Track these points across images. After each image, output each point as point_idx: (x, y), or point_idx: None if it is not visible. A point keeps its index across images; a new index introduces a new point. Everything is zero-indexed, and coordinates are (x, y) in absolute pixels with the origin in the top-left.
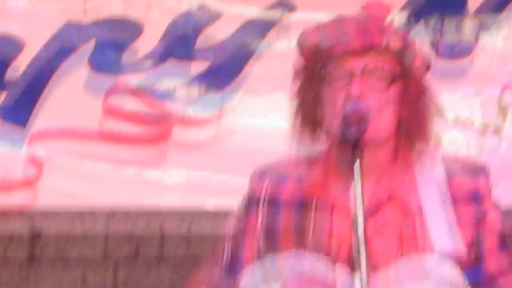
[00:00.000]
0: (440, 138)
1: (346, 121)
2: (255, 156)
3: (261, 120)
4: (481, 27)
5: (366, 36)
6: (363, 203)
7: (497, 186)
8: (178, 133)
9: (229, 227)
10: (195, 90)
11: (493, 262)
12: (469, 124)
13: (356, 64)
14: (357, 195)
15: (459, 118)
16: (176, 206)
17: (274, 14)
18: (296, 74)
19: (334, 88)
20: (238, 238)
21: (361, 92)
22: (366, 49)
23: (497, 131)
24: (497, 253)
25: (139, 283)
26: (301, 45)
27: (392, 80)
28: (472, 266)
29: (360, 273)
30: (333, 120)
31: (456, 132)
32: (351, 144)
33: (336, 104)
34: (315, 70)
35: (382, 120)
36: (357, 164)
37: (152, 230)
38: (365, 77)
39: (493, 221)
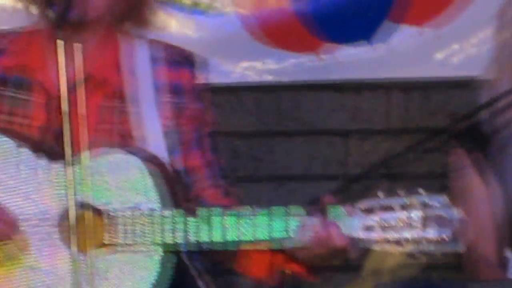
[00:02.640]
0: (162, 21)
1: None
2: None
3: None
4: None
5: None
6: (67, 82)
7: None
8: None
9: None
10: None
11: (186, 156)
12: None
13: None
14: (61, 74)
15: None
16: None
17: None
18: None
19: None
20: None
21: None
22: None
23: (209, 8)
24: (192, 149)
25: None
26: None
27: None
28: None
29: (64, 155)
30: None
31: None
32: (56, 21)
33: None
34: None
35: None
36: (60, 42)
37: None
38: None
39: (193, 115)
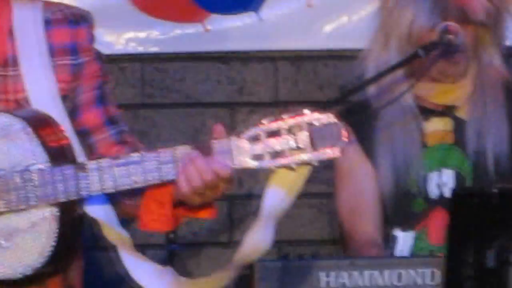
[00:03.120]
0: None
1: None
2: None
3: None
4: None
5: None
6: None
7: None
8: None
9: None
10: None
11: (88, 116)
12: None
13: None
14: None
15: None
16: None
17: None
18: None
19: None
20: None
21: None
22: None
23: None
24: (94, 108)
25: None
26: None
27: None
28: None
29: None
30: None
31: None
32: None
33: None
34: None
35: None
36: None
37: None
38: None
39: (92, 73)
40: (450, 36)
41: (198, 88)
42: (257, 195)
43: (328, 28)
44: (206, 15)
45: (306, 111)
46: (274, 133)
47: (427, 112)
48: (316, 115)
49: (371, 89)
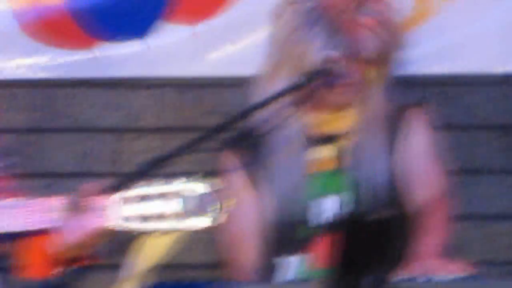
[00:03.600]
0: None
1: None
2: None
3: None
4: None
5: None
6: None
7: None
8: None
9: None
10: None
11: None
12: None
13: None
14: None
15: None
16: None
17: None
18: None
19: None
20: None
21: None
22: None
23: None
24: None
25: None
26: None
27: None
28: None
29: None
30: None
31: None
32: None
33: None
34: None
35: None
36: None
37: None
38: None
39: None
40: (331, 65)
41: (86, 113)
42: None
43: (213, 56)
44: (94, 42)
45: (182, 178)
46: (148, 197)
47: (312, 140)
48: (192, 184)
49: (257, 116)
